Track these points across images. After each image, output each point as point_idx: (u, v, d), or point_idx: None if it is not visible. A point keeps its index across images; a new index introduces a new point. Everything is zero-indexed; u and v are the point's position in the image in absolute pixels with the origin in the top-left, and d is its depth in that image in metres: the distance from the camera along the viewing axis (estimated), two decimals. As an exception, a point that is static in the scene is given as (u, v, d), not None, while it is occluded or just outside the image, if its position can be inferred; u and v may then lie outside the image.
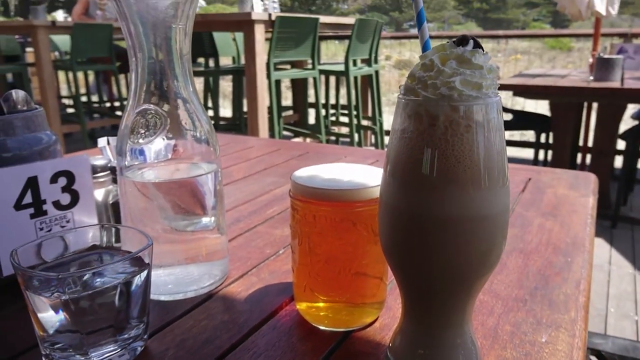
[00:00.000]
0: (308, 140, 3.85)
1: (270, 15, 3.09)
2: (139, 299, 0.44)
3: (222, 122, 4.60)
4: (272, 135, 3.32)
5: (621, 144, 3.05)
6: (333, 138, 4.19)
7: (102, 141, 0.71)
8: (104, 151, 0.70)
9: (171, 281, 0.55)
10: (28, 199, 0.54)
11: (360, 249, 0.47)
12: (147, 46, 0.52)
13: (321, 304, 0.49)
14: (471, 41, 0.34)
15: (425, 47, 0.38)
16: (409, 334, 0.41)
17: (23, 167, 0.54)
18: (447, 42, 0.35)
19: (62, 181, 0.57)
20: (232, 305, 0.54)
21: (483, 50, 0.35)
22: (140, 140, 0.53)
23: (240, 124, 4.23)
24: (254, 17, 2.99)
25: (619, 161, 3.40)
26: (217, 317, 0.51)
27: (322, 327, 0.49)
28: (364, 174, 0.49)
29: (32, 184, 0.54)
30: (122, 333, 0.44)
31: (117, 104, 5.70)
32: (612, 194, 3.01)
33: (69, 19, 7.79)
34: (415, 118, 0.35)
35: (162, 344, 0.47)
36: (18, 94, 0.59)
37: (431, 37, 0.39)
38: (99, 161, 0.66)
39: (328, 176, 0.48)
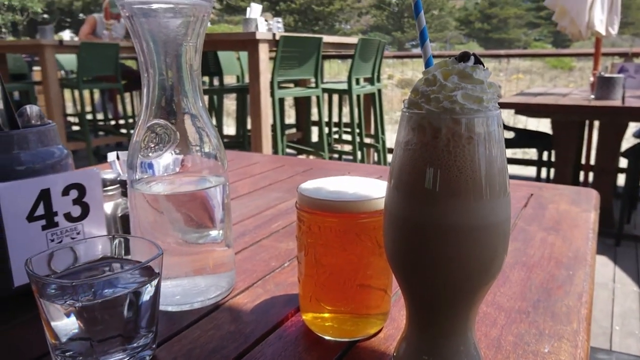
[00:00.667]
0: (311, 157, 3.88)
1: (274, 35, 3.14)
2: (148, 308, 0.45)
3: (225, 140, 4.64)
4: (275, 152, 3.34)
5: (623, 162, 3.06)
6: (336, 156, 4.22)
7: (111, 155, 0.72)
8: (114, 165, 0.72)
9: (178, 292, 0.56)
10: (40, 210, 0.55)
11: (364, 260, 0.48)
12: (157, 63, 0.54)
13: (326, 315, 0.50)
14: (472, 57, 0.36)
15: (428, 64, 0.39)
16: (413, 342, 0.42)
17: (36, 179, 0.55)
18: (449, 58, 0.37)
19: (74, 194, 0.58)
20: (238, 316, 0.55)
21: (483, 66, 0.36)
22: (151, 154, 0.55)
23: (243, 142, 4.26)
24: (258, 36, 3.04)
25: (621, 179, 3.40)
26: (224, 328, 0.52)
27: (327, 337, 0.50)
28: (368, 186, 0.50)
29: (44, 196, 0.56)
30: (131, 342, 0.45)
31: (122, 121, 5.76)
32: (616, 212, 3.01)
33: (76, 39, 7.91)
34: (418, 130, 0.36)
35: (170, 353, 0.48)
36: (32, 109, 0.61)
37: (433, 55, 0.40)
38: (109, 175, 0.68)
39: (333, 188, 0.49)
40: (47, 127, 0.61)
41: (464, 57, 0.36)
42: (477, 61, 0.36)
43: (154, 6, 0.51)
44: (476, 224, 0.36)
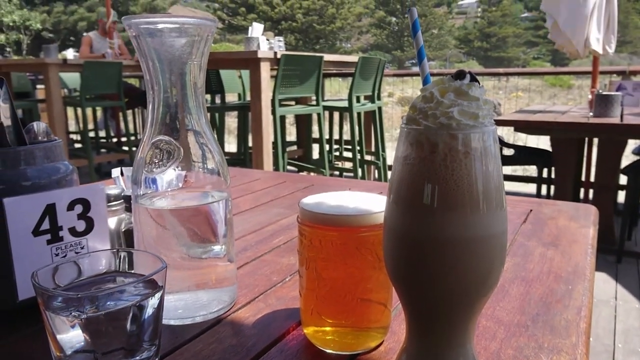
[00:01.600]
0: (312, 174, 3.89)
1: (275, 53, 3.18)
2: (151, 321, 0.46)
3: (227, 157, 4.64)
4: (276, 169, 3.36)
5: (623, 179, 3.07)
6: (337, 173, 4.23)
7: (115, 171, 0.73)
8: (117, 181, 0.73)
9: (181, 306, 0.57)
10: (46, 225, 0.56)
11: (364, 274, 0.49)
12: (163, 81, 0.55)
13: (328, 328, 0.51)
14: (468, 75, 0.37)
15: (425, 82, 0.41)
16: (413, 354, 0.42)
17: (42, 194, 0.56)
18: (446, 76, 0.38)
19: (78, 209, 0.59)
20: (240, 330, 0.55)
21: (479, 84, 0.37)
22: (155, 170, 0.56)
23: (244, 159, 4.28)
24: (260, 55, 3.08)
25: (622, 196, 3.41)
26: (226, 341, 0.53)
27: (328, 351, 0.50)
28: (368, 201, 0.51)
29: (50, 211, 0.56)
30: (134, 355, 0.45)
31: (124, 139, 5.79)
32: (616, 229, 3.00)
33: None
34: (416, 146, 0.37)
35: (173, 366, 0.48)
36: (39, 126, 0.62)
37: (433, 73, 0.42)
38: (113, 190, 0.69)
39: (334, 203, 0.50)
40: (53, 143, 0.62)
41: (460, 75, 0.37)
42: (473, 79, 0.37)
43: (160, 26, 0.52)
44: (473, 236, 0.37)
